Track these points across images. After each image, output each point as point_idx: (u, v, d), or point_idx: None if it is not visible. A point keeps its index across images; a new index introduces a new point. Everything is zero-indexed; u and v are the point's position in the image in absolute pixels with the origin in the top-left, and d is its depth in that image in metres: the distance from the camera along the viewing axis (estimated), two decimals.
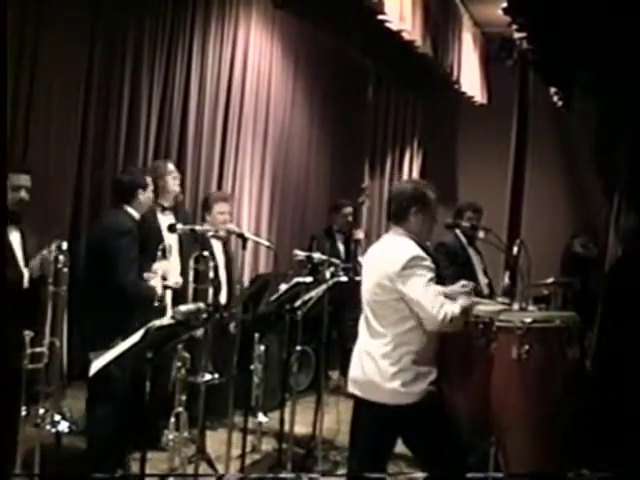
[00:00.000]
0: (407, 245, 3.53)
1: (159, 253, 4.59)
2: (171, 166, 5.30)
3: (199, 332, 4.84)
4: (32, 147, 5.00)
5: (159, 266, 4.55)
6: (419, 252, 3.50)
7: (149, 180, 4.70)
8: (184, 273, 5.03)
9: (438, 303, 3.40)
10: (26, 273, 4.01)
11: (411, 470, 4.01)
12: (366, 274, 3.68)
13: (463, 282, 3.68)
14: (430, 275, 3.46)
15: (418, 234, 3.62)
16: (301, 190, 8.43)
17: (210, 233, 5.33)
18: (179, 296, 4.84)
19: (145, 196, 4.67)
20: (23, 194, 4.02)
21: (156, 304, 4.54)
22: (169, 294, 4.80)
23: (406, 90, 9.48)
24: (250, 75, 7.24)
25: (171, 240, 4.93)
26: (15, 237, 4.04)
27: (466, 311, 3.51)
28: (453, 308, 3.43)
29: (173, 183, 5.23)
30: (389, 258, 3.51)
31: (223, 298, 5.58)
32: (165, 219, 5.12)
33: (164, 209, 5.14)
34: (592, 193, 9.05)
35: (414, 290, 3.41)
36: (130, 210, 4.61)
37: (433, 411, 3.47)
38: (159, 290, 4.50)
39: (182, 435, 4.52)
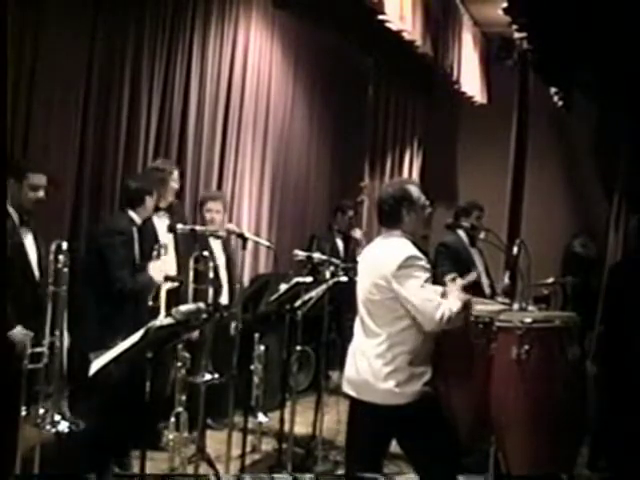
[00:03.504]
0: (403, 245, 3.53)
1: (154, 253, 4.62)
2: (175, 170, 5.37)
3: (195, 334, 4.86)
4: (32, 147, 5.00)
5: (154, 266, 4.58)
6: (415, 252, 3.50)
7: (155, 185, 4.83)
8: (183, 273, 5.04)
9: (434, 304, 3.39)
10: (37, 274, 4.04)
11: (411, 470, 4.00)
12: (362, 274, 3.68)
13: (459, 281, 3.66)
14: (426, 275, 3.46)
15: (413, 232, 3.62)
16: (301, 190, 8.42)
17: (208, 233, 5.34)
18: (174, 296, 4.84)
19: (151, 201, 4.85)
20: (41, 194, 4.10)
21: (150, 303, 4.57)
22: (164, 294, 4.80)
23: (406, 90, 9.48)
24: (250, 75, 7.23)
25: (167, 240, 4.95)
26: (28, 239, 4.09)
27: (466, 305, 3.50)
28: (451, 306, 3.42)
29: (174, 186, 5.30)
30: (385, 258, 3.51)
31: (224, 298, 5.59)
32: (160, 220, 5.14)
33: (158, 209, 5.16)
34: (592, 193, 9.05)
35: (410, 292, 3.41)
36: (132, 214, 4.76)
37: (428, 412, 3.46)
38: (159, 278, 4.54)
39: (182, 435, 4.52)
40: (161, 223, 5.14)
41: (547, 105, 8.23)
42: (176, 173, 5.39)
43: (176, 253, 5.16)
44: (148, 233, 4.98)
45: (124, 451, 4.61)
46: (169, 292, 4.69)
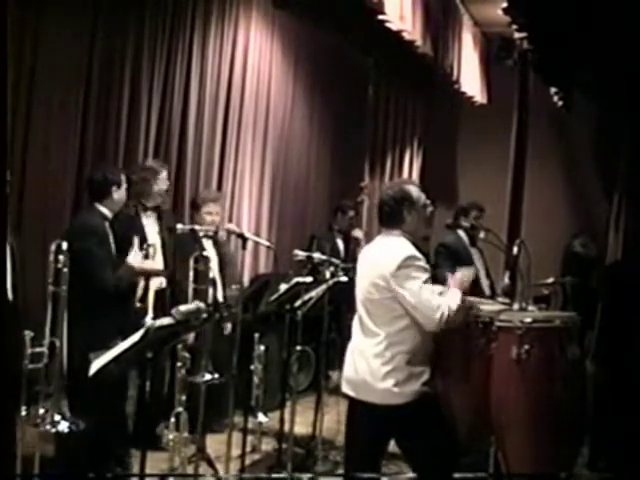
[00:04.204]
0: (402, 245, 3.53)
1: (143, 252, 4.59)
2: (163, 169, 5.21)
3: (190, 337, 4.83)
4: (32, 148, 5.00)
5: (142, 266, 4.54)
6: (414, 252, 3.50)
7: (123, 177, 4.67)
8: (171, 273, 5.01)
9: (433, 305, 3.39)
10: (9, 276, 3.92)
11: (410, 470, 4.01)
12: (360, 273, 3.68)
13: (458, 274, 3.65)
14: (425, 276, 3.46)
15: (413, 232, 3.62)
16: (301, 190, 8.43)
17: (201, 233, 5.31)
18: (162, 297, 4.83)
19: (119, 194, 4.63)
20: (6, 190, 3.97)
21: (137, 305, 4.54)
22: (152, 295, 4.78)
23: (406, 90, 9.48)
24: (250, 75, 7.24)
25: (155, 241, 4.91)
26: None
27: (463, 304, 3.49)
28: (450, 304, 3.42)
29: (162, 186, 5.18)
30: (384, 258, 3.51)
31: (219, 299, 5.57)
32: (148, 220, 5.08)
33: (146, 209, 5.09)
34: (592, 193, 9.05)
35: (409, 292, 3.41)
36: (102, 208, 4.59)
37: (426, 412, 3.46)
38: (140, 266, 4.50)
39: (182, 435, 4.52)
40: (149, 223, 5.08)
41: (547, 105, 8.23)
42: (164, 173, 5.17)
43: (163, 254, 5.09)
44: (136, 233, 4.92)
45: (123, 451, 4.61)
46: (157, 293, 4.69)
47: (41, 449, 3.91)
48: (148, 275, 4.67)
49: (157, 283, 4.85)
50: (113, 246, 4.58)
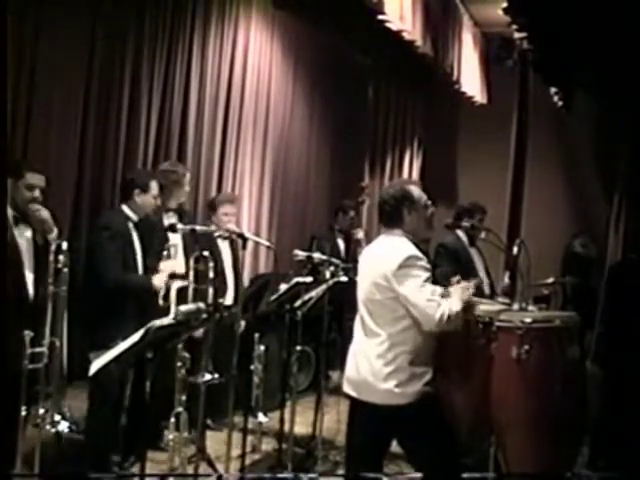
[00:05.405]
0: (403, 245, 3.53)
1: (164, 253, 4.62)
2: (188, 173, 5.32)
3: (199, 333, 4.85)
4: (32, 147, 5.00)
5: (165, 266, 4.57)
6: (415, 252, 3.50)
7: (153, 184, 4.71)
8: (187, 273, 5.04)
9: (434, 304, 3.39)
10: (29, 276, 3.97)
11: (411, 470, 4.01)
12: (362, 273, 3.67)
13: (462, 283, 3.67)
14: (426, 275, 3.46)
15: (414, 232, 3.62)
16: (301, 190, 8.43)
17: (217, 233, 5.34)
18: (184, 296, 4.84)
19: (143, 198, 4.67)
20: (37, 194, 4.01)
21: (161, 302, 4.55)
22: (174, 293, 4.80)
23: (406, 90, 9.49)
24: (250, 75, 7.24)
25: (176, 240, 4.94)
26: (25, 237, 4.00)
27: (466, 307, 3.50)
28: (451, 306, 3.42)
29: (187, 189, 5.27)
30: (385, 257, 3.51)
31: (230, 298, 5.58)
32: (169, 220, 5.12)
33: (168, 210, 5.14)
34: (592, 193, 9.05)
35: (410, 291, 3.41)
36: (126, 209, 4.63)
37: (428, 412, 3.46)
38: (161, 285, 4.53)
39: (182, 435, 4.52)
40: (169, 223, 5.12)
41: (547, 105, 8.23)
42: (188, 175, 5.32)
43: (184, 253, 5.13)
44: (158, 233, 4.94)
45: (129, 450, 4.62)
46: (179, 291, 4.69)
47: (41, 449, 3.90)
48: (171, 277, 4.69)
49: (179, 282, 4.87)
50: (139, 248, 4.62)
